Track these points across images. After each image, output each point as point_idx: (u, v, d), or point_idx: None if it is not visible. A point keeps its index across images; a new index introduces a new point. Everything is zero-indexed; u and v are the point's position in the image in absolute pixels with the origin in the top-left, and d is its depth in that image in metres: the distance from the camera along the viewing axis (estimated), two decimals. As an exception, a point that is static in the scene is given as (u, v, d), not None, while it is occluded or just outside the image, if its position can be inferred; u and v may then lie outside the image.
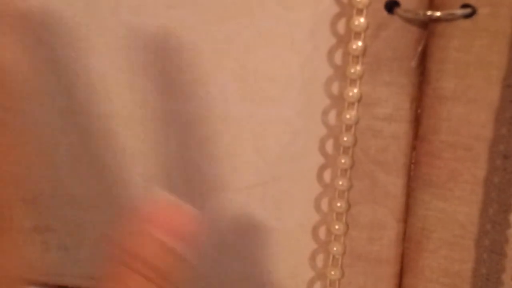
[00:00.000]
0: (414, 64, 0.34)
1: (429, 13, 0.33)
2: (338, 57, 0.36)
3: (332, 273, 0.38)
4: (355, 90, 0.36)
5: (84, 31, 0.37)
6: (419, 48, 0.34)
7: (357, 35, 0.35)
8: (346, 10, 0.35)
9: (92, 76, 0.38)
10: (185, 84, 0.37)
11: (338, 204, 0.37)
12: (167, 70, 0.37)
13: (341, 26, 0.35)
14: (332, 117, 0.37)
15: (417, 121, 0.35)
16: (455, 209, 0.35)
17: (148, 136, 0.38)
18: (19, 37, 0.36)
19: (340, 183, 0.37)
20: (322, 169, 0.38)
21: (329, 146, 0.37)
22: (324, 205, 0.38)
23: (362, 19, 0.34)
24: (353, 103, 0.36)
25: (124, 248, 0.22)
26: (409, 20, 0.34)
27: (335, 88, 0.36)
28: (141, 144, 0.38)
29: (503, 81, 0.32)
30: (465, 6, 0.32)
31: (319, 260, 0.39)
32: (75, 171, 0.39)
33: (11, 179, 0.31)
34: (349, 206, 0.37)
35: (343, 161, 0.37)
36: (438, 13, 0.33)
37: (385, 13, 0.34)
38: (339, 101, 0.36)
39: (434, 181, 0.35)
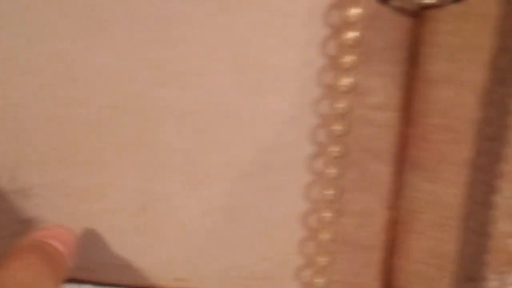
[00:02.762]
0: (406, 54, 0.36)
1: None
2: (331, 47, 0.38)
3: (322, 259, 0.39)
4: (348, 80, 0.37)
5: (87, 25, 0.38)
6: (411, 38, 0.36)
7: (352, 26, 0.37)
8: (340, 0, 0.37)
9: (93, 68, 0.38)
10: (181, 75, 0.38)
11: (329, 192, 0.38)
12: (164, 62, 0.38)
13: (335, 17, 0.37)
14: (324, 106, 0.38)
15: (407, 108, 0.37)
16: (444, 191, 0.36)
17: (145, 126, 0.39)
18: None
19: (331, 171, 0.38)
20: (313, 157, 0.39)
21: (321, 135, 0.38)
22: (315, 193, 0.39)
23: (357, 10, 0.37)
24: (346, 93, 0.37)
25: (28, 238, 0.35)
26: (401, 9, 0.36)
27: (328, 78, 0.38)
28: (138, 134, 0.39)
29: (491, 64, 0.35)
30: (456, -9, 0.35)
31: (308, 247, 0.39)
32: (74, 163, 0.39)
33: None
34: (339, 194, 0.38)
35: (334, 149, 0.38)
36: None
37: (378, 3, 0.36)
38: (332, 91, 0.38)
39: (423, 163, 0.37)
